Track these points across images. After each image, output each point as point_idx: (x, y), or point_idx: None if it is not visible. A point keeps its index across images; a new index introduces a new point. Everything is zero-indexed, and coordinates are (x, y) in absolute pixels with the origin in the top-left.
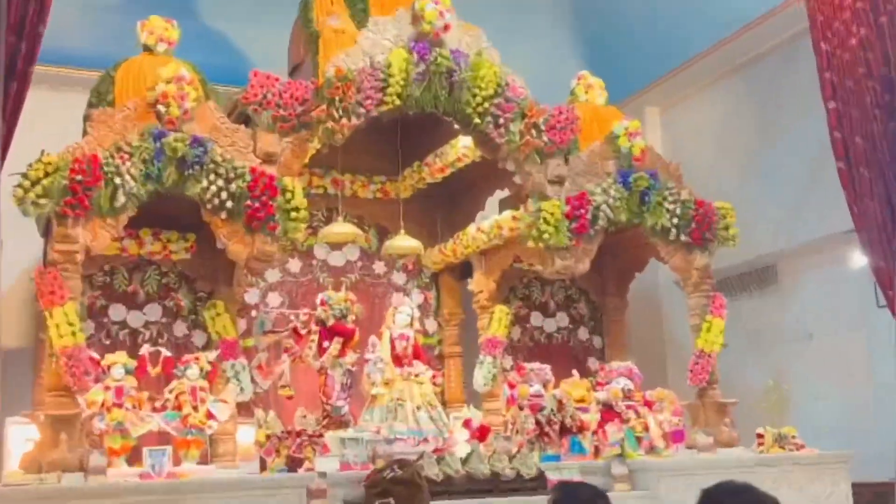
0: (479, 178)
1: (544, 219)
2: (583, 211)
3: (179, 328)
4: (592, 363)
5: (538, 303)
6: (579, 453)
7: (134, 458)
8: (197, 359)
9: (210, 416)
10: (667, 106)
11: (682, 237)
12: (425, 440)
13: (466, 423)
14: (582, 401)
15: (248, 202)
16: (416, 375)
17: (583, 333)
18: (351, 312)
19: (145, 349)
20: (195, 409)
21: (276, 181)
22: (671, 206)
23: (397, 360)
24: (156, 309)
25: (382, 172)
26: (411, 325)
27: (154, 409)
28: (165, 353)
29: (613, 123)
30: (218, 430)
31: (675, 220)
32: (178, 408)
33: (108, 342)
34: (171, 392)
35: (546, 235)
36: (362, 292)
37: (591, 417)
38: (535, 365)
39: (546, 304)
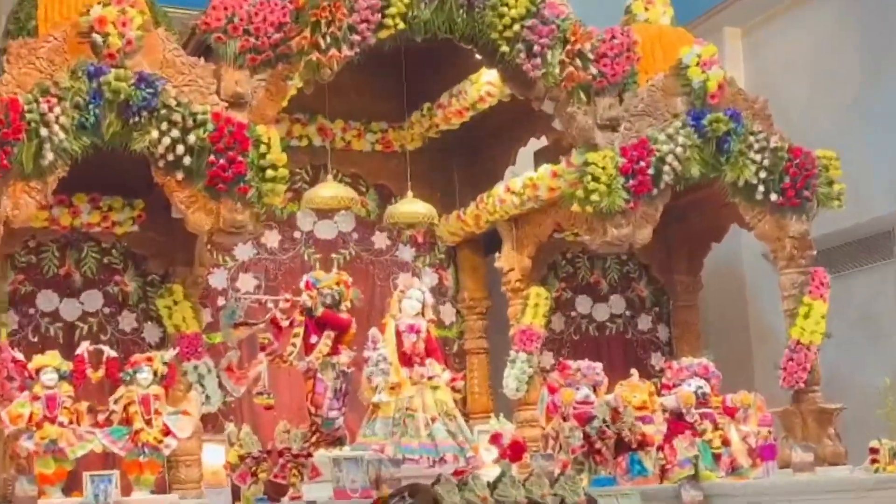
0: (507, 123)
1: (593, 175)
2: (643, 164)
3: (127, 321)
4: (656, 360)
5: (586, 284)
6: (640, 475)
7: (72, 485)
8: (149, 359)
9: (167, 432)
10: (751, 27)
11: (773, 196)
12: (442, 460)
13: (495, 439)
14: (643, 408)
15: (212, 158)
16: (430, 378)
17: (644, 322)
18: (345, 298)
19: (83, 348)
20: (148, 423)
21: (246, 130)
22: (757, 157)
23: (405, 358)
24: (96, 296)
25: (383, 118)
26: (423, 313)
27: (96, 424)
28: (109, 352)
29: (682, 50)
30: (178, 449)
31: (763, 175)
32: (127, 422)
33: (35, 339)
34: (117, 402)
35: (595, 196)
36: (359, 272)
37: (656, 429)
38: (583, 363)
39: (596, 285)
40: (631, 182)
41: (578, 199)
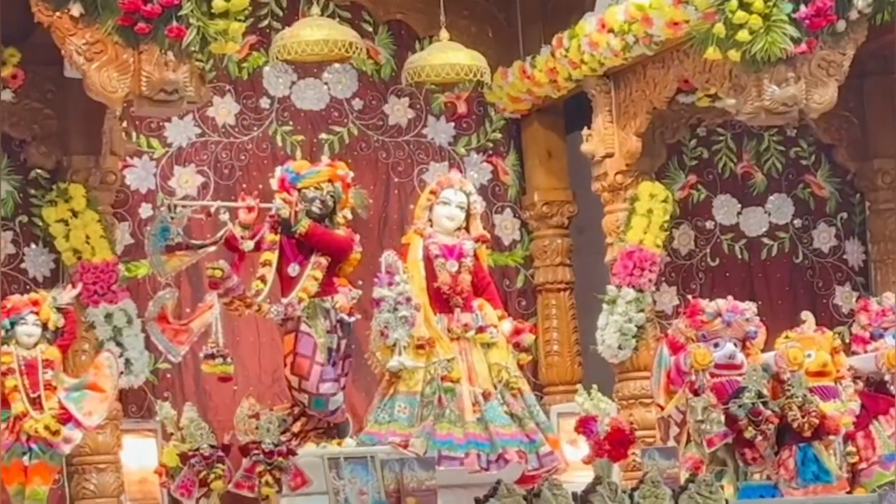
0: None
1: (740, 0)
2: None
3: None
4: (844, 297)
5: (729, 177)
6: (818, 480)
7: None
8: (35, 304)
9: (67, 417)
10: None
11: None
12: (501, 459)
13: (585, 426)
14: (823, 374)
15: None
16: (481, 330)
17: (823, 237)
18: (342, 204)
19: None
20: (35, 403)
21: None
22: None
23: (441, 299)
24: None
25: None
26: (467, 227)
27: None
28: None
29: None
30: (84, 445)
31: None
32: (3, 402)
33: None
34: None
35: (744, 34)
36: (365, 163)
37: (843, 408)
38: (726, 304)
39: (746, 178)
40: (802, 10)
41: (717, 40)
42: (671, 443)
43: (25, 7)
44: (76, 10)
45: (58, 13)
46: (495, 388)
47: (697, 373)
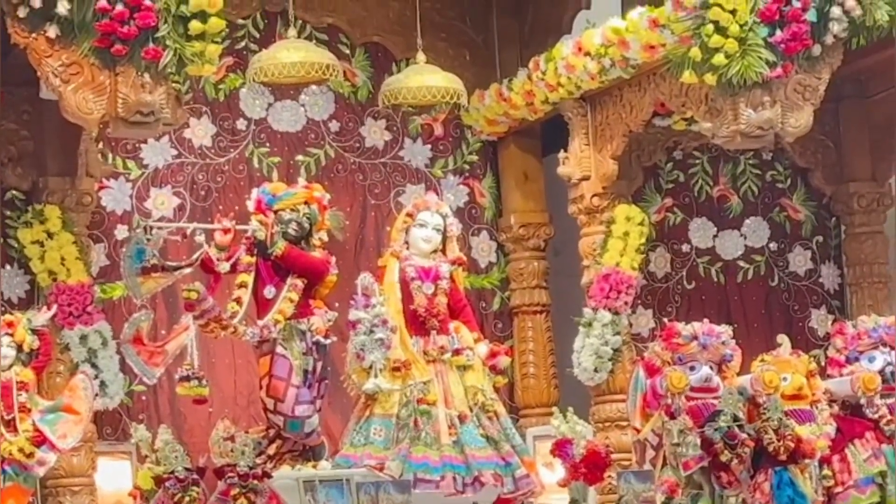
0: None
1: (717, 23)
2: (797, 4)
3: None
4: (819, 321)
5: (705, 200)
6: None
7: None
8: (9, 325)
9: (41, 439)
10: None
11: None
12: (477, 482)
13: (560, 448)
14: (799, 397)
15: (103, 3)
16: (457, 353)
17: (799, 261)
18: (318, 226)
19: None
20: (9, 425)
21: None
22: None
23: (417, 321)
24: None
25: None
26: (444, 250)
27: None
28: None
29: None
30: (58, 467)
31: None
32: None
33: None
34: None
35: (720, 58)
36: (342, 185)
37: (819, 430)
38: (702, 327)
39: (722, 202)
40: (778, 34)
41: (693, 64)
42: (647, 466)
43: (1, 28)
44: (52, 31)
45: (34, 35)
46: (471, 410)
47: (673, 396)
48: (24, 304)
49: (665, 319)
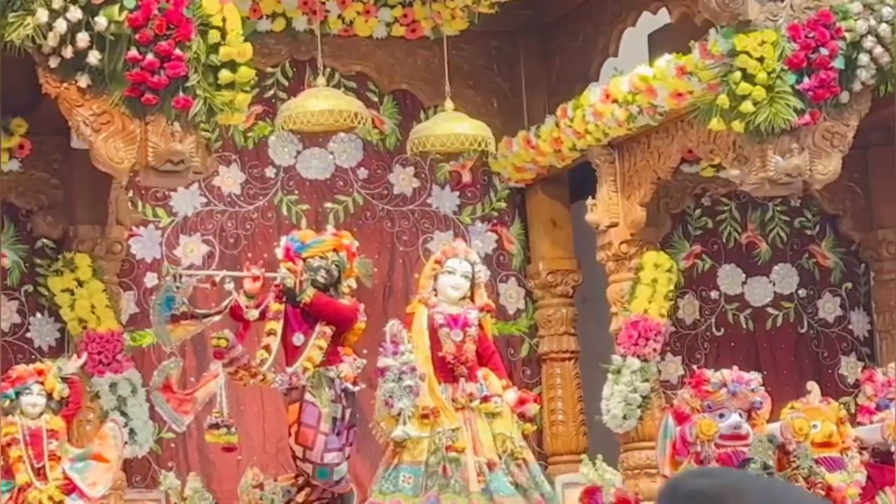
0: None
1: (745, 70)
2: (824, 52)
3: (3, 312)
4: (849, 368)
5: (734, 247)
6: None
7: None
8: (40, 373)
9: (71, 487)
10: None
11: None
12: None
13: (588, 495)
14: (829, 445)
15: (133, 52)
16: (486, 400)
17: (828, 307)
18: (347, 274)
19: None
20: (40, 473)
21: (186, 7)
22: None
23: (445, 369)
24: None
25: None
26: (472, 297)
27: None
28: None
29: None
30: None
31: None
32: (6, 472)
33: None
34: None
35: (748, 106)
36: (370, 231)
37: (849, 478)
38: (731, 374)
39: (751, 248)
40: (806, 82)
41: (721, 111)
42: None
43: (33, 78)
44: (83, 81)
45: (65, 84)
46: (500, 458)
47: (703, 443)
48: (54, 352)
49: (694, 366)
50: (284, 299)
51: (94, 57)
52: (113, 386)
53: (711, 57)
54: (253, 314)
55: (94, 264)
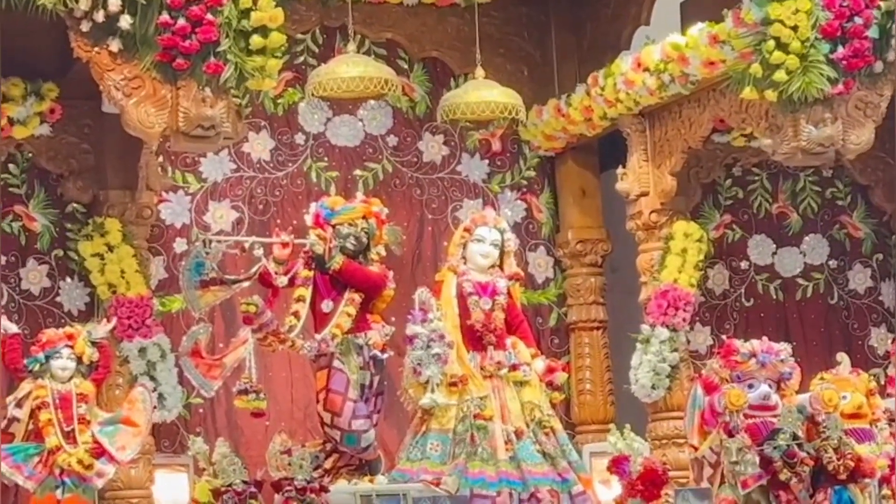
0: None
1: (778, 39)
2: (859, 21)
3: (33, 276)
4: (879, 339)
5: (765, 217)
6: None
7: None
8: (70, 338)
9: (100, 451)
10: None
11: None
12: (533, 498)
13: (617, 465)
14: (858, 416)
15: (164, 17)
16: (514, 368)
17: (858, 278)
18: (376, 241)
19: None
20: (69, 437)
21: None
22: None
23: (474, 337)
24: None
25: None
26: (501, 265)
27: None
28: (7, 326)
29: None
30: (116, 479)
31: None
32: (37, 436)
33: None
34: (19, 405)
35: (781, 75)
36: (400, 198)
37: (879, 450)
38: (760, 345)
39: (781, 219)
40: (840, 51)
41: (754, 80)
42: (705, 484)
43: (64, 42)
44: (115, 45)
45: (97, 49)
46: (528, 426)
47: (732, 414)
48: (83, 316)
49: (723, 337)
50: (313, 266)
51: (125, 21)
52: (142, 351)
53: (745, 25)
54: (282, 280)
55: (123, 229)
